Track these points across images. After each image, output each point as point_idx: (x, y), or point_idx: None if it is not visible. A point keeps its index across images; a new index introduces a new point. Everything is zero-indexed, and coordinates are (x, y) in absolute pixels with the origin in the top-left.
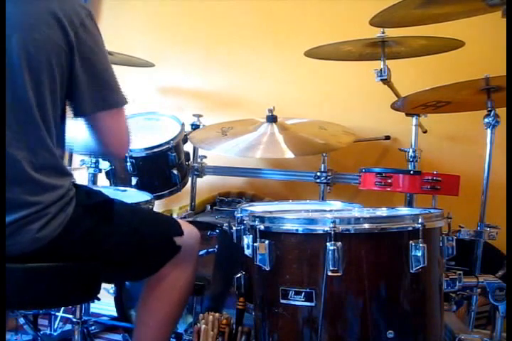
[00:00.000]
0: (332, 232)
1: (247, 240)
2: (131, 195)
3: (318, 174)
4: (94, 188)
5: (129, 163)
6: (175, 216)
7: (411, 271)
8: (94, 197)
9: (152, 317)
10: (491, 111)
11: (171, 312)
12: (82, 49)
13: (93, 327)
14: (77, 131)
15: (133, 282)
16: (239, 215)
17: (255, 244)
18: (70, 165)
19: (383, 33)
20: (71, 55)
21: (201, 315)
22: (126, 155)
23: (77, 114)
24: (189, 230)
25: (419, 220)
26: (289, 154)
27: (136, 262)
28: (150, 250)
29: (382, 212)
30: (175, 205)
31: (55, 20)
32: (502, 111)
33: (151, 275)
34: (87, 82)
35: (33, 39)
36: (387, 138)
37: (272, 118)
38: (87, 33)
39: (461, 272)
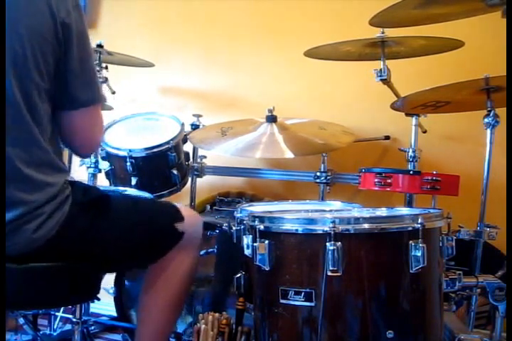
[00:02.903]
0: (332, 232)
1: (246, 240)
2: None
3: (318, 174)
4: (91, 184)
5: (128, 163)
6: None
7: (411, 271)
8: (89, 194)
9: (155, 301)
10: (490, 111)
11: (174, 296)
12: (67, 42)
13: (93, 327)
14: None
15: (137, 269)
16: (238, 215)
17: (255, 244)
18: (70, 164)
19: (383, 33)
20: (59, 48)
21: (201, 315)
22: (126, 155)
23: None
24: (190, 214)
25: (419, 220)
26: (289, 154)
27: (138, 253)
28: (152, 240)
29: (382, 212)
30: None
31: (48, 9)
32: (502, 111)
33: (155, 263)
34: (69, 76)
35: (17, 34)
36: (387, 138)
37: (271, 118)
38: (72, 25)
39: (460, 272)
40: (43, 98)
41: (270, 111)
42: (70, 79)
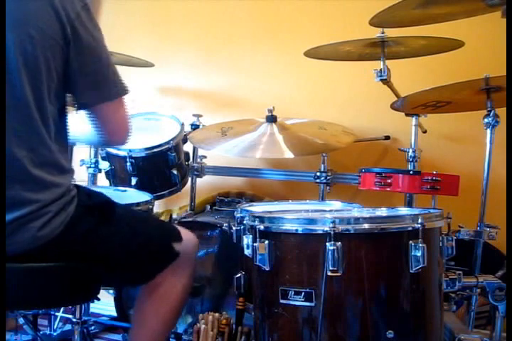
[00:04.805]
0: (332, 232)
1: (246, 240)
2: (131, 195)
3: (318, 174)
4: (96, 190)
5: (128, 163)
6: (175, 216)
7: (411, 271)
8: (95, 198)
9: (147, 322)
10: (490, 111)
11: (165, 318)
12: (78, 42)
13: (93, 327)
14: (78, 122)
15: (132, 286)
16: (239, 215)
17: (255, 244)
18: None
19: (383, 33)
20: (67, 49)
21: (201, 315)
22: (126, 155)
23: (79, 106)
24: (188, 237)
25: (419, 220)
26: (289, 154)
27: (134, 266)
28: (149, 254)
29: (382, 212)
30: (175, 205)
31: (54, 12)
32: (502, 111)
33: (148, 281)
34: (84, 75)
35: (29, 36)
36: (387, 138)
37: (271, 119)
38: (82, 26)
39: (460, 272)
40: (51, 98)
41: (270, 111)
42: (79, 78)
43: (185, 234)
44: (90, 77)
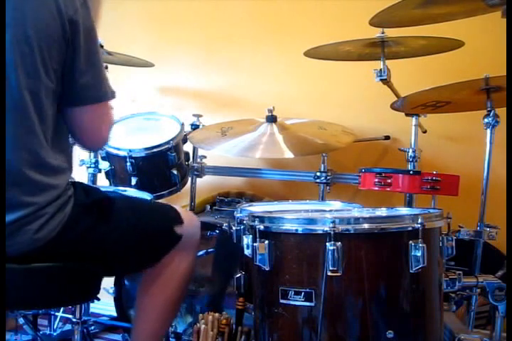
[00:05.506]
0: (332, 232)
1: (246, 240)
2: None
3: (318, 174)
4: (93, 185)
5: (128, 163)
6: None
7: (410, 271)
8: (92, 195)
9: (153, 302)
10: (490, 111)
11: (171, 297)
12: (74, 41)
13: (93, 327)
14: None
15: (135, 273)
16: (238, 215)
17: (255, 244)
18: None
19: (383, 33)
20: (66, 47)
21: (201, 315)
22: (126, 155)
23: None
24: (189, 218)
25: (419, 220)
26: (289, 154)
27: (137, 255)
28: (151, 242)
29: (382, 212)
30: (175, 205)
31: (56, 8)
32: (502, 111)
33: (153, 266)
34: (70, 74)
35: (26, 36)
36: (387, 138)
37: (271, 118)
38: (80, 24)
39: (460, 272)
40: (49, 98)
41: (270, 111)
42: (76, 76)
43: (187, 215)
44: (80, 76)
